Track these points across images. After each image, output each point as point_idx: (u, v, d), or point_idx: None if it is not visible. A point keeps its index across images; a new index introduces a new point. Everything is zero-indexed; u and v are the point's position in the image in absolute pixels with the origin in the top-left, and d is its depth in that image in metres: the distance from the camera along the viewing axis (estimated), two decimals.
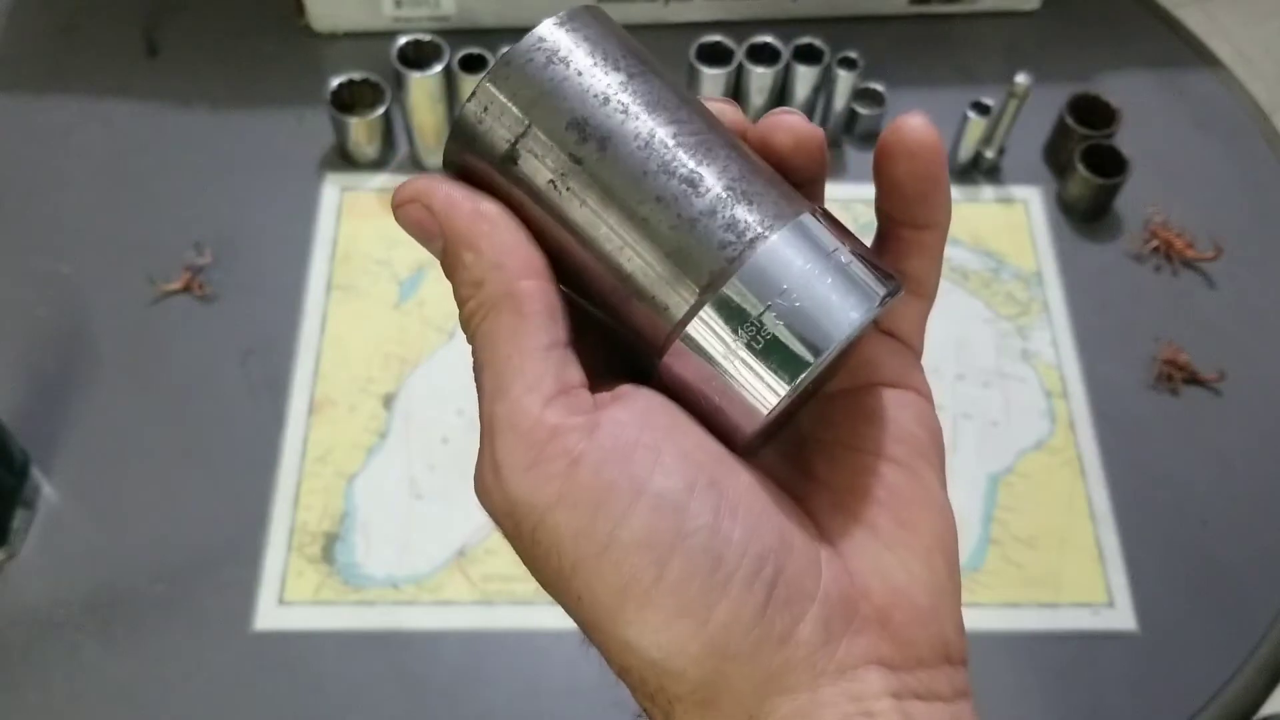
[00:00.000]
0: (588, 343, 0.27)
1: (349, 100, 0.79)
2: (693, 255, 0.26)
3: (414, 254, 0.77)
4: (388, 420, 0.70)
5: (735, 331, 0.26)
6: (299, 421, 0.70)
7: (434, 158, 0.80)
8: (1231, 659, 0.65)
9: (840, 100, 0.80)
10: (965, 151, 0.81)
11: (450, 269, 0.27)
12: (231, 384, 0.72)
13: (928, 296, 0.31)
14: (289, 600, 0.64)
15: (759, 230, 0.26)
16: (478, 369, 0.26)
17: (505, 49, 0.27)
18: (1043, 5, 0.91)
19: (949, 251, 0.79)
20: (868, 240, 0.30)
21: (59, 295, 0.74)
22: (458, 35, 0.79)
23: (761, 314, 0.26)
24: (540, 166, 0.26)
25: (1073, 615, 0.66)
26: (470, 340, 0.27)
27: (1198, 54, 0.91)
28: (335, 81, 0.78)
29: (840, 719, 0.25)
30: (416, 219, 0.27)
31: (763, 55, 0.79)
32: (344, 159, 0.81)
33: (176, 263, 0.75)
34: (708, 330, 0.26)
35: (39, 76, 0.85)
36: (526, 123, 0.26)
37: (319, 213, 0.79)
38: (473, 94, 0.27)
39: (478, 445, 0.27)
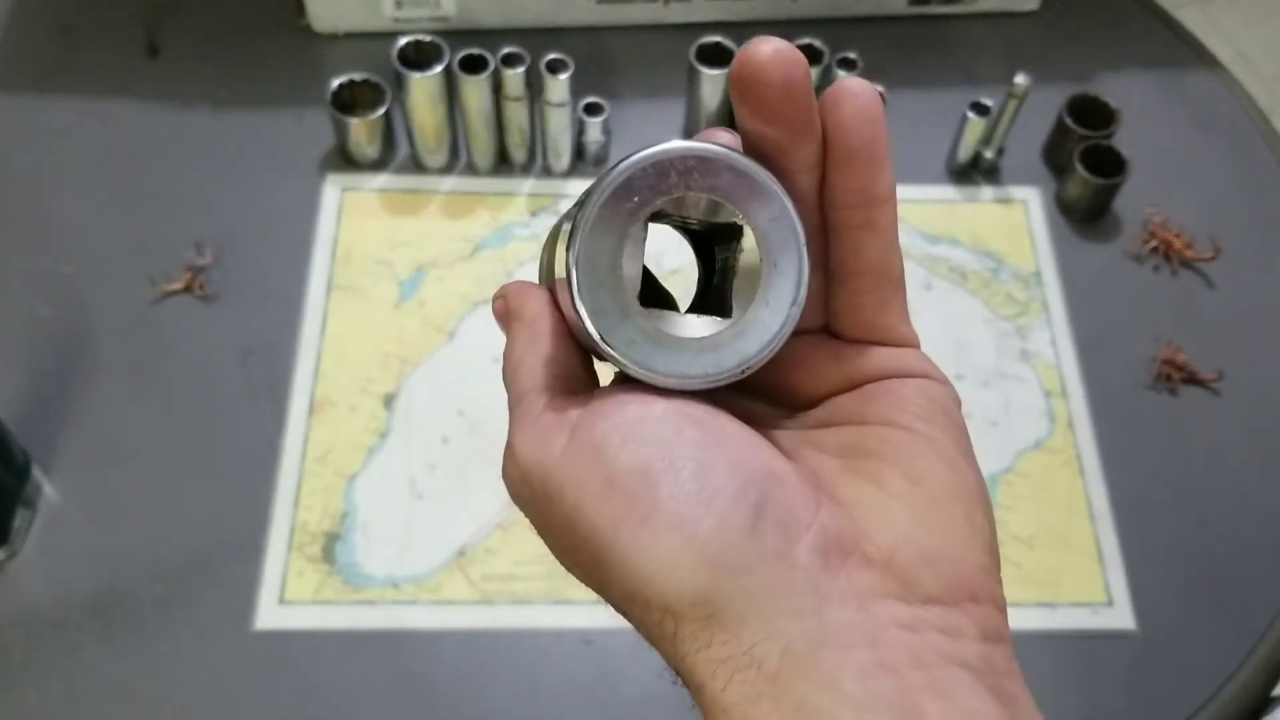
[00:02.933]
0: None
1: (349, 101, 0.79)
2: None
3: (414, 254, 0.77)
4: (388, 420, 0.70)
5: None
6: (299, 421, 0.70)
7: (434, 158, 0.80)
8: (1230, 658, 0.65)
9: None
10: (965, 152, 0.82)
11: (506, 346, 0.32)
12: (232, 384, 0.72)
13: (898, 281, 0.31)
14: (289, 600, 0.65)
15: None
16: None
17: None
18: (1042, 6, 0.91)
19: (948, 251, 0.79)
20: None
21: (60, 295, 0.75)
22: (458, 36, 0.79)
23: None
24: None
25: (1072, 615, 0.66)
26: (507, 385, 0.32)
27: (1197, 54, 0.92)
28: (336, 82, 0.78)
29: (846, 648, 0.24)
30: (497, 310, 0.33)
31: None
32: (344, 159, 0.81)
33: (177, 263, 0.75)
34: None
35: (39, 76, 0.85)
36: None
37: (319, 213, 0.79)
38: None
39: (488, 445, 0.30)
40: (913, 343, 0.31)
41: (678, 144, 0.27)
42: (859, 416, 0.29)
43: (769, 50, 0.26)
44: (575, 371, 0.30)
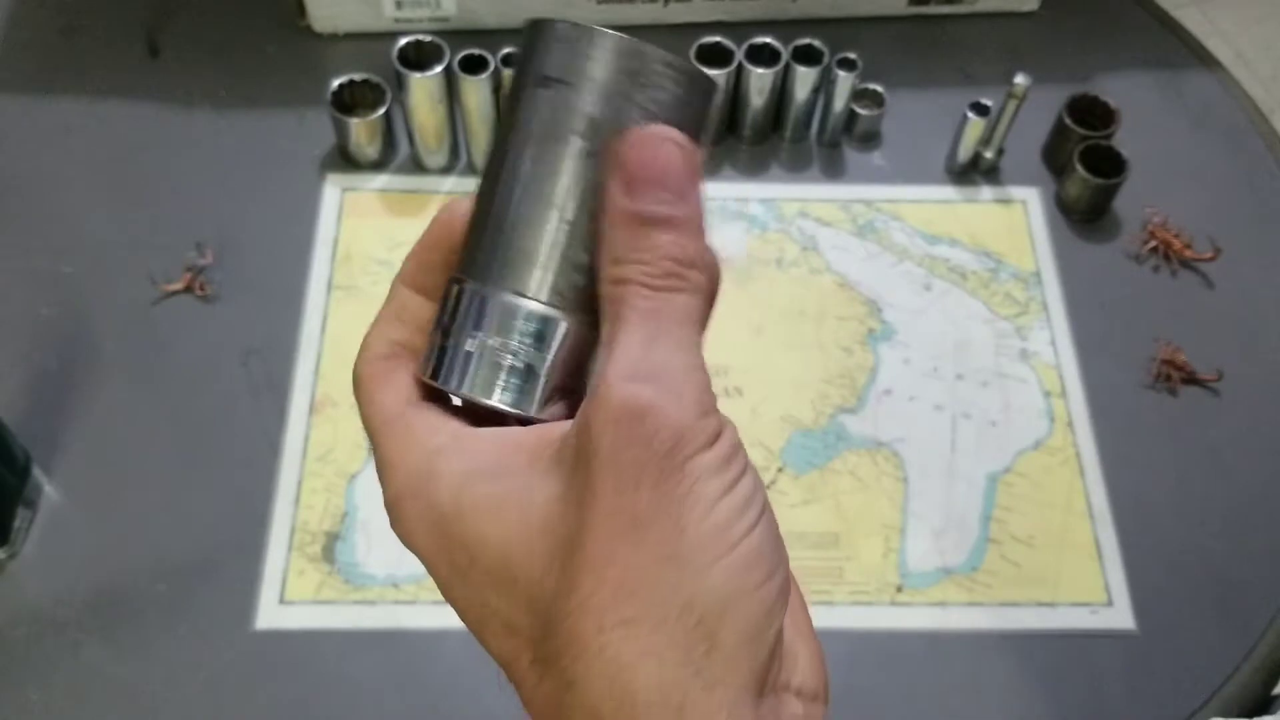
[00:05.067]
0: None
1: (350, 101, 0.79)
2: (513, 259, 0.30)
3: None
4: None
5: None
6: (300, 421, 0.70)
7: (434, 158, 0.80)
8: (1229, 658, 0.65)
9: (840, 101, 0.81)
10: (964, 152, 0.82)
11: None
12: (233, 384, 0.72)
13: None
14: (290, 599, 0.65)
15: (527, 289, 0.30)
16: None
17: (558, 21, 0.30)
18: (1042, 6, 0.91)
19: (948, 251, 0.79)
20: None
21: (61, 295, 0.75)
22: (458, 36, 0.79)
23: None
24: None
25: (1071, 614, 0.66)
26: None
27: (1196, 55, 0.92)
28: (336, 82, 0.78)
29: None
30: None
31: (762, 56, 0.79)
32: (345, 160, 0.81)
33: (178, 263, 0.76)
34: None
35: (39, 76, 0.85)
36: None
37: (320, 213, 0.79)
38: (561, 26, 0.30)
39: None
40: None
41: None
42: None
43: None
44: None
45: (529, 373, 0.29)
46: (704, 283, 0.29)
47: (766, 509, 0.28)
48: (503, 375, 0.29)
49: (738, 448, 0.27)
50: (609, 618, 0.25)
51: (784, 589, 0.27)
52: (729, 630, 0.25)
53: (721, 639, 0.25)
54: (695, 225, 0.28)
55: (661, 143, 0.28)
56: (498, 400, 0.29)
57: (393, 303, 0.33)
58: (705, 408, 0.27)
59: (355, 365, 0.33)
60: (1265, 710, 0.64)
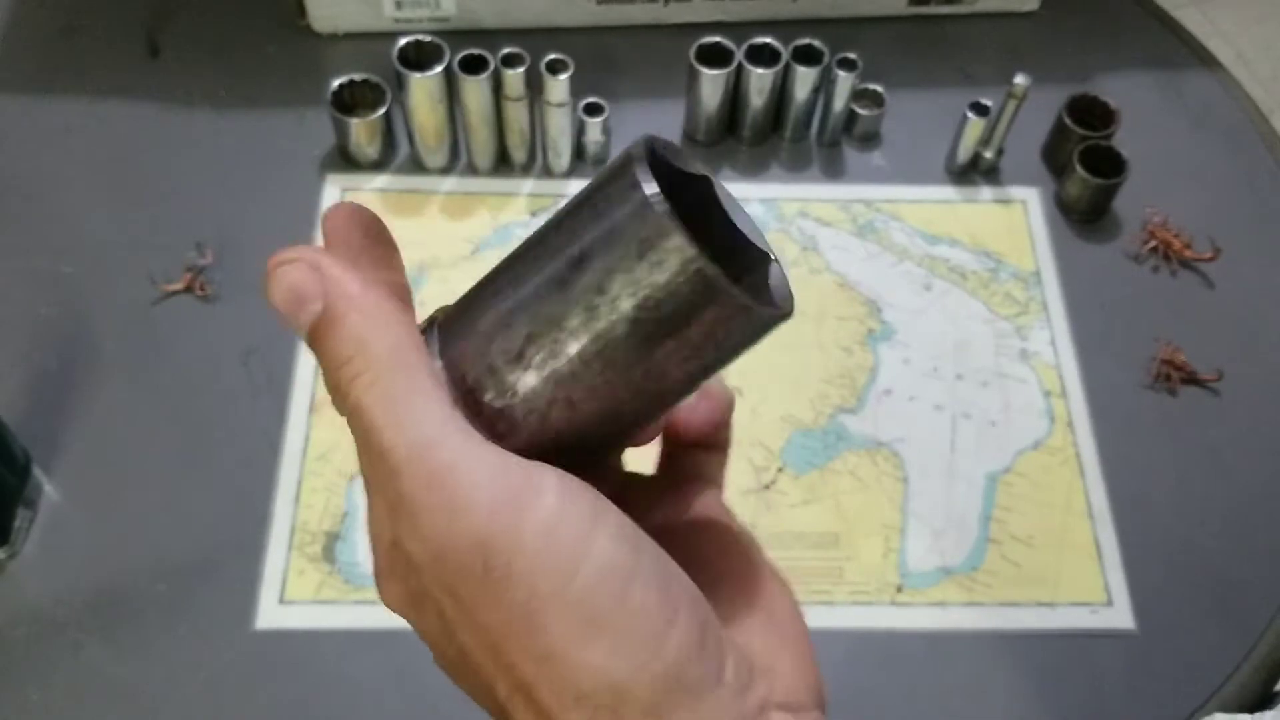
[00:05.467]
0: None
1: (350, 101, 0.79)
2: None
3: (415, 254, 0.77)
4: None
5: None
6: (300, 421, 0.70)
7: (434, 158, 0.80)
8: (1229, 658, 0.65)
9: (840, 101, 0.81)
10: (964, 152, 0.82)
11: (323, 334, 0.27)
12: (233, 383, 0.72)
13: (721, 485, 0.35)
14: (290, 599, 0.65)
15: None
16: (369, 432, 0.26)
17: None
18: (1041, 6, 0.91)
19: (948, 251, 0.79)
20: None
21: (61, 295, 0.75)
22: (458, 36, 0.79)
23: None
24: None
25: (1071, 614, 0.66)
26: (351, 408, 0.27)
27: (1196, 55, 0.92)
28: (336, 82, 0.78)
29: None
30: (297, 278, 0.27)
31: (762, 56, 0.79)
32: (345, 160, 0.81)
33: (178, 263, 0.76)
34: None
35: (39, 76, 0.85)
36: None
37: (320, 213, 0.79)
38: None
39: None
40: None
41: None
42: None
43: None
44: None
45: None
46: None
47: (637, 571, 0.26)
48: None
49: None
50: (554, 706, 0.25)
51: (692, 639, 0.26)
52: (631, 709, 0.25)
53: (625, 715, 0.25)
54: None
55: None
56: None
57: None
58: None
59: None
60: (1266, 706, 0.64)
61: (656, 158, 0.25)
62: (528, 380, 0.26)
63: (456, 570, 0.25)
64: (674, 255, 0.23)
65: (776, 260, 0.27)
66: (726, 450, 0.35)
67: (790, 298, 0.27)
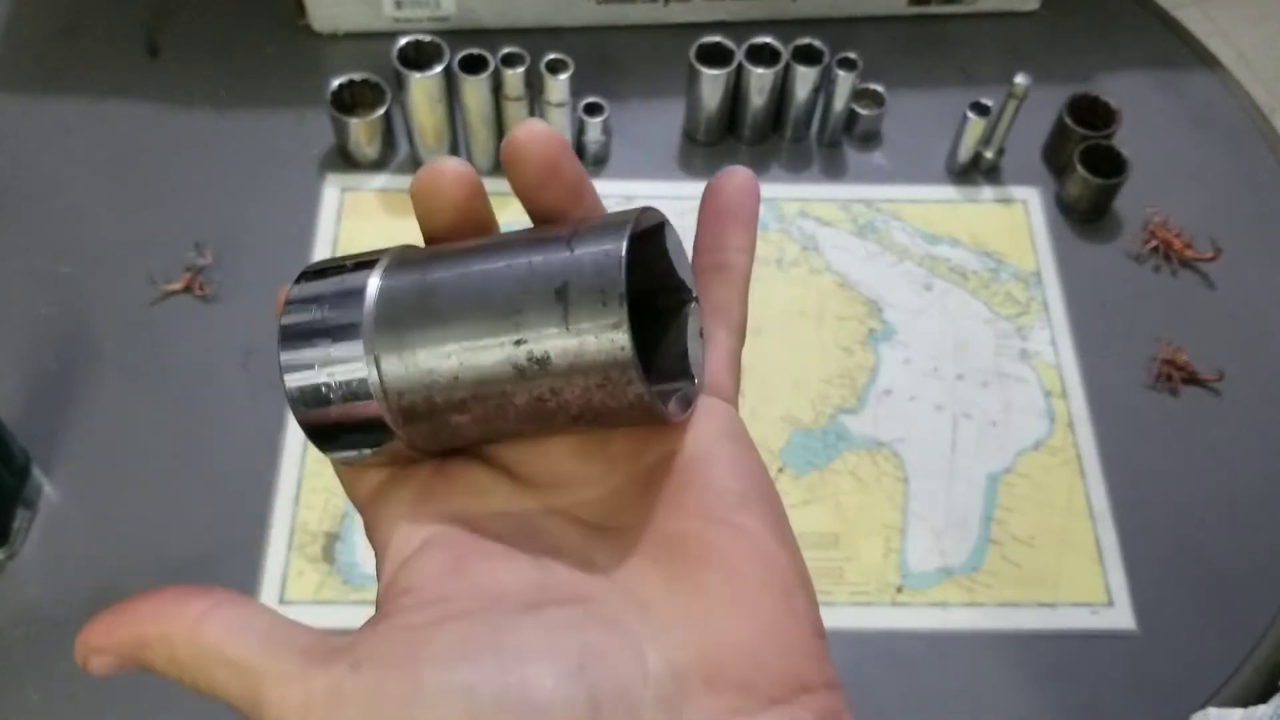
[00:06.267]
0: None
1: (349, 101, 0.79)
2: None
3: None
4: None
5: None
6: None
7: (434, 158, 0.80)
8: (1230, 658, 0.65)
9: (840, 101, 0.81)
10: (965, 152, 0.82)
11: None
12: (232, 384, 0.72)
13: (734, 331, 0.32)
14: (290, 600, 0.65)
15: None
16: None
17: None
18: (1042, 5, 0.91)
19: (949, 251, 0.79)
20: None
21: (60, 295, 0.75)
22: (458, 36, 0.79)
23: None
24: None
25: (1071, 615, 0.66)
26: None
27: (1197, 54, 0.92)
28: (336, 82, 0.78)
29: None
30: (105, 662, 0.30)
31: (762, 56, 0.79)
32: (344, 159, 0.81)
33: (177, 263, 0.76)
34: None
35: (39, 76, 0.85)
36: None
37: (319, 213, 0.79)
38: None
39: None
40: (730, 398, 0.31)
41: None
42: (674, 510, 0.28)
43: (524, 133, 0.29)
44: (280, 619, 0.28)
45: None
46: None
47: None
48: None
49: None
50: None
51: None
52: None
53: None
54: None
55: None
56: None
57: None
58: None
59: None
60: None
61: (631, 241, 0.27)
62: (463, 423, 0.28)
63: None
64: (631, 389, 0.27)
65: (696, 300, 0.30)
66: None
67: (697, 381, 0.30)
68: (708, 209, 0.32)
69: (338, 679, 0.26)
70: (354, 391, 0.28)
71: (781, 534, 0.29)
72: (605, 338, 0.26)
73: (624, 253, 0.26)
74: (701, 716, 0.25)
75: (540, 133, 0.29)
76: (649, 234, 0.29)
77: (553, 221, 0.30)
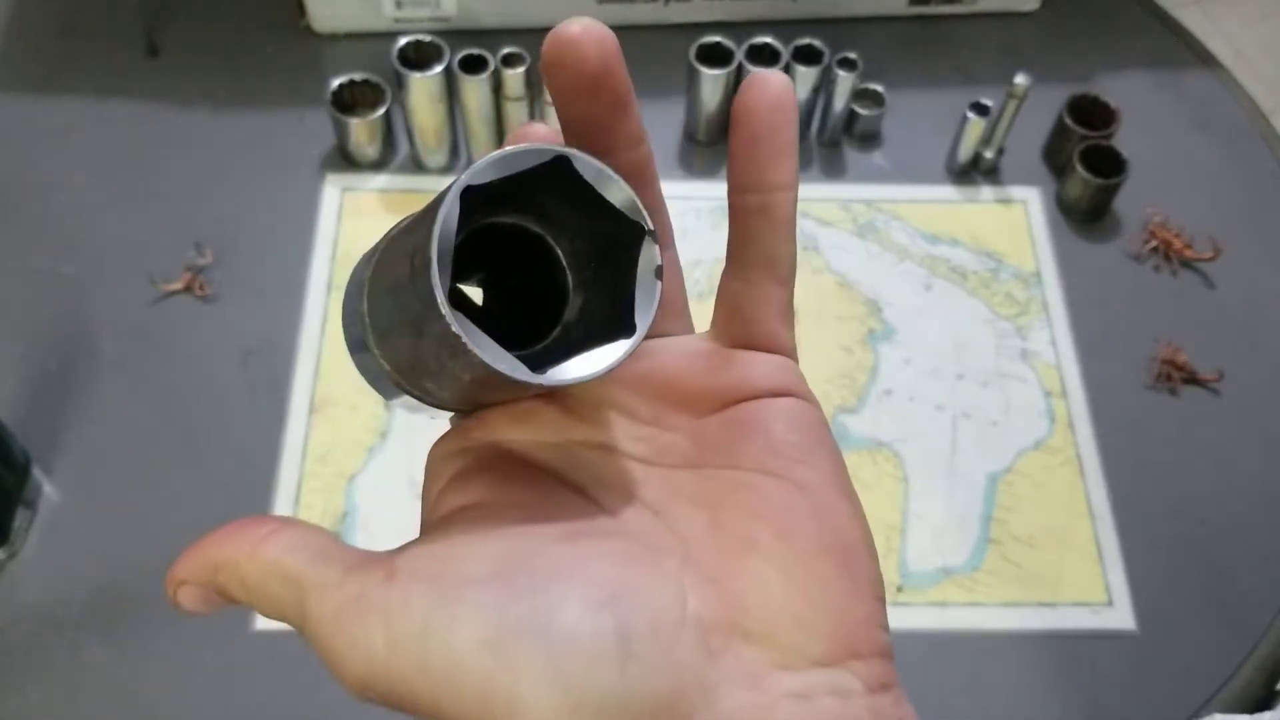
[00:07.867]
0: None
1: (350, 101, 0.79)
2: None
3: None
4: (388, 419, 0.70)
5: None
6: (300, 421, 0.70)
7: (434, 158, 0.80)
8: (1230, 658, 0.65)
9: (840, 101, 0.81)
10: (964, 152, 0.82)
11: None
12: (232, 384, 0.72)
13: (784, 281, 0.30)
14: None
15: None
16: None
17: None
18: (1042, 6, 0.91)
19: (949, 251, 0.79)
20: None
21: (60, 295, 0.75)
22: (458, 36, 0.79)
23: None
24: None
25: (1072, 614, 0.66)
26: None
27: (1197, 55, 0.92)
28: (336, 82, 0.78)
29: None
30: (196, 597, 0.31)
31: (762, 56, 0.79)
32: (345, 159, 0.81)
33: (177, 263, 0.76)
34: None
35: (39, 76, 0.85)
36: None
37: (320, 213, 0.79)
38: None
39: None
40: (788, 351, 0.30)
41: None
42: (728, 459, 0.28)
43: (578, 28, 0.26)
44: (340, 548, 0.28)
45: None
46: None
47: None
48: None
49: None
50: None
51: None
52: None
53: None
54: None
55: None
56: None
57: None
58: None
59: None
60: (1266, 707, 0.64)
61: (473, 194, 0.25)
62: (443, 391, 0.29)
63: (382, 701, 0.26)
64: (471, 359, 0.25)
65: (652, 232, 0.27)
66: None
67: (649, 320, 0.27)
68: (741, 136, 0.28)
69: (369, 588, 0.26)
70: (356, 343, 0.30)
71: (843, 486, 0.28)
72: (435, 315, 0.24)
73: (439, 213, 0.25)
74: (739, 667, 0.25)
75: (595, 28, 0.26)
76: (558, 174, 0.26)
77: (590, 136, 0.28)
